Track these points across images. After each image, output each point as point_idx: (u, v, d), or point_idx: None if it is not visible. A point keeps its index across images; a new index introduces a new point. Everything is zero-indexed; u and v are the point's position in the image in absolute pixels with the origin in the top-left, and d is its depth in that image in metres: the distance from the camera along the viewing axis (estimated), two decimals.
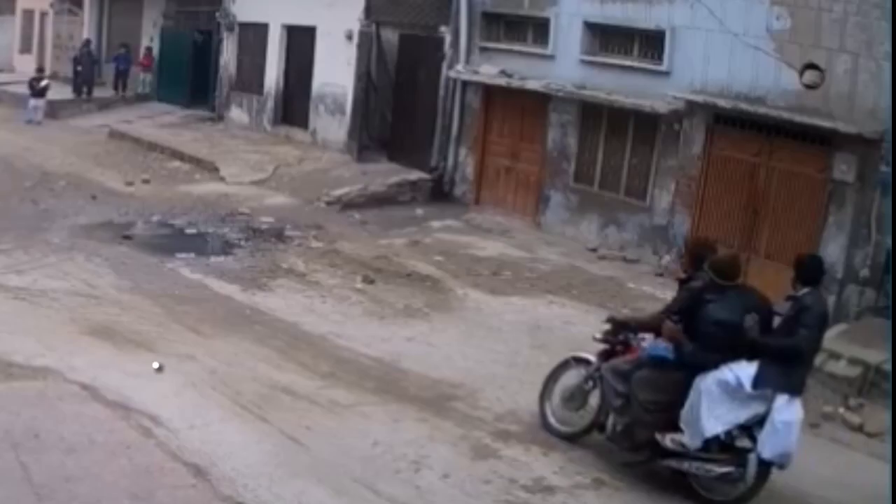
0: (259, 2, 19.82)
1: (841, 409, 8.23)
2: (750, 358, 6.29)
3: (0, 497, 5.47)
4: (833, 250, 10.51)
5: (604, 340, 7.14)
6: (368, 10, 17.19)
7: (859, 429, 7.98)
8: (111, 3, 26.45)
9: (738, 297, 6.38)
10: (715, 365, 6.33)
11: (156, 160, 18.20)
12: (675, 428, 6.49)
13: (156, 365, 7.70)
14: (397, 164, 16.71)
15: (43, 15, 28.45)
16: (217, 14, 21.14)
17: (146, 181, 16.32)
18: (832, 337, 9.31)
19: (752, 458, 6.31)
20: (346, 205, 15.06)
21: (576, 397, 7.20)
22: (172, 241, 12.67)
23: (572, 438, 7.16)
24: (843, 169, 10.35)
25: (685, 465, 6.48)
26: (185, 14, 23.58)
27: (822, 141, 10.59)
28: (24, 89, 23.00)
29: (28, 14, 29.25)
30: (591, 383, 7.09)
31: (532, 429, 7.27)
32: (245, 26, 20.67)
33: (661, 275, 11.89)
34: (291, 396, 7.46)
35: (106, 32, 26.47)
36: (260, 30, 20.08)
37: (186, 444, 6.36)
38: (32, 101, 21.99)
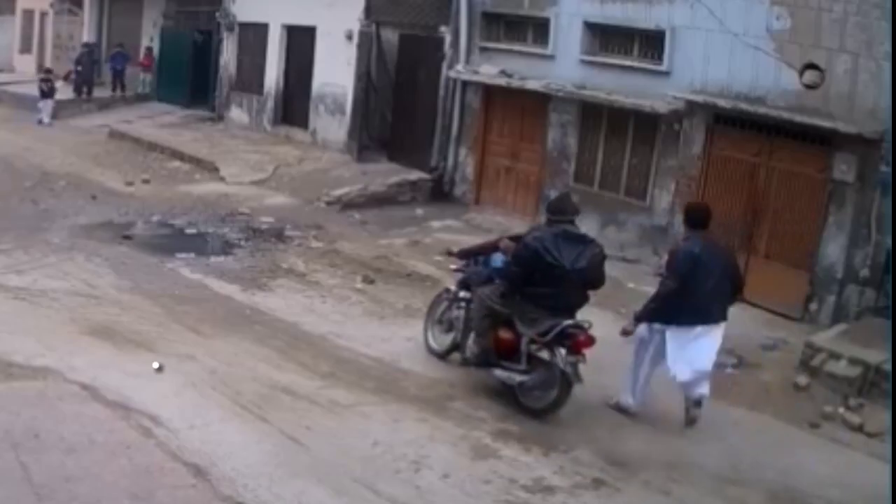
0: (259, 2, 19.82)
1: (841, 409, 8.22)
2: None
3: (0, 497, 5.47)
4: (833, 250, 10.51)
5: (459, 270, 8.38)
6: (368, 10, 17.19)
7: (859, 429, 7.97)
8: (111, 3, 26.47)
9: (562, 231, 7.33)
10: (523, 279, 7.28)
11: (156, 160, 18.21)
12: (498, 340, 7.57)
13: (156, 365, 7.69)
14: (397, 164, 16.71)
15: (43, 15, 28.47)
16: (217, 14, 21.14)
17: (146, 181, 16.33)
18: (832, 337, 9.33)
19: (555, 371, 7.18)
20: (346, 205, 15.06)
21: (444, 321, 8.50)
22: (172, 241, 12.67)
23: (444, 356, 8.40)
24: (843, 169, 10.33)
25: (498, 374, 7.58)
26: (185, 14, 23.59)
27: (822, 141, 10.58)
28: (23, 90, 23.00)
29: (28, 14, 29.28)
30: (453, 308, 8.27)
31: (532, 429, 7.27)
32: (245, 26, 20.67)
33: (661, 275, 11.82)
34: (291, 396, 7.45)
35: (106, 32, 26.49)
36: (260, 30, 20.08)
37: (186, 444, 6.36)
38: (42, 103, 21.99)
